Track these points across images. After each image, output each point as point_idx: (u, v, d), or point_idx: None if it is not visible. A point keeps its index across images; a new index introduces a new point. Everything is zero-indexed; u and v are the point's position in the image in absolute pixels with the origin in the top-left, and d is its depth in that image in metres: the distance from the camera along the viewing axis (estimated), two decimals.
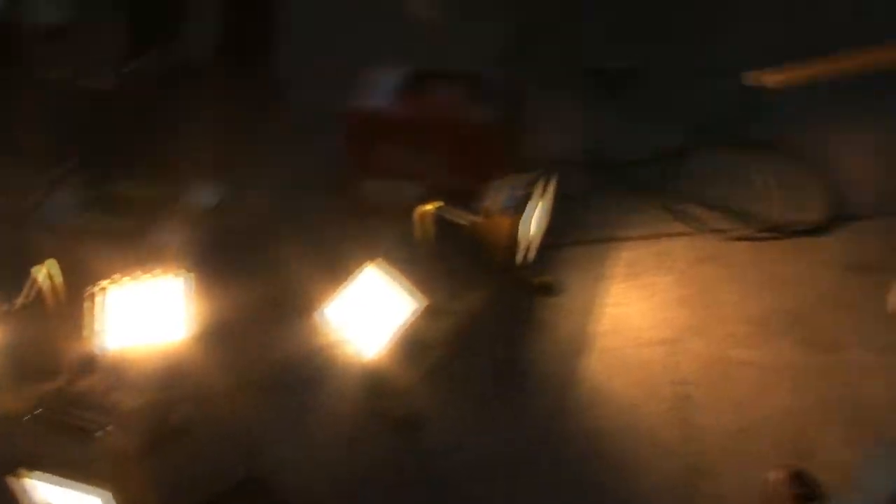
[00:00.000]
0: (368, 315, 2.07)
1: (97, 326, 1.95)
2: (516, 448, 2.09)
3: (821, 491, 1.89)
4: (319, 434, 2.09)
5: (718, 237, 2.59)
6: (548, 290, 2.40)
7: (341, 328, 2.05)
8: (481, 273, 2.30)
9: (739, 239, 2.58)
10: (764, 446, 2.06)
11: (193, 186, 2.54)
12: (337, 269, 2.14)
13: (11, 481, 1.76)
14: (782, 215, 2.62)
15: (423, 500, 2.02)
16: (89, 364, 1.95)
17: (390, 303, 2.08)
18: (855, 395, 2.15)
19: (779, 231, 2.58)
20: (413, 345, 2.09)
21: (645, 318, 2.39)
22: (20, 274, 2.01)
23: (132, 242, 2.38)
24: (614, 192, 2.74)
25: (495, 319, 2.32)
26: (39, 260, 2.01)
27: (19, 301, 2.00)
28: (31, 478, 1.75)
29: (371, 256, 2.12)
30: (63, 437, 1.81)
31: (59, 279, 2.02)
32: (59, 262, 2.03)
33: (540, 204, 2.34)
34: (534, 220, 2.32)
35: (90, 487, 1.72)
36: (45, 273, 2.00)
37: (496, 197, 2.23)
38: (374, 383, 2.07)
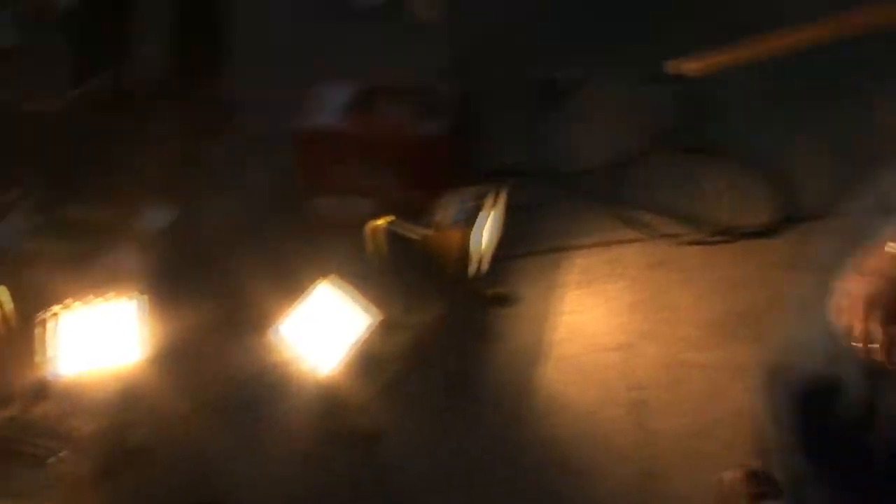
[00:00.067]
0: (323, 331, 2.07)
1: (49, 352, 1.94)
2: (472, 458, 2.09)
3: (776, 489, 1.91)
4: (275, 452, 2.08)
5: (669, 242, 2.62)
6: (502, 300, 2.42)
7: (296, 345, 2.06)
8: (435, 286, 2.31)
9: (690, 243, 2.61)
10: (719, 447, 2.08)
11: (145, 208, 2.53)
12: (290, 286, 2.14)
13: None
14: (732, 218, 2.65)
15: None
16: (42, 390, 1.94)
17: (344, 318, 2.09)
18: None
19: (729, 234, 2.62)
20: (368, 360, 2.10)
21: (599, 324, 2.41)
22: None
23: (84, 266, 2.37)
24: (565, 201, 2.75)
25: (450, 332, 2.32)
26: None
27: None
28: None
29: (324, 272, 2.13)
30: (15, 465, 1.80)
31: (9, 306, 2.01)
32: (10, 289, 2.02)
33: (491, 215, 2.35)
34: (485, 232, 2.33)
35: None
36: None
37: (447, 210, 2.25)
38: (330, 399, 2.06)
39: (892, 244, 1.16)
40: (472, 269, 2.29)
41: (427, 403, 2.21)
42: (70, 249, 2.41)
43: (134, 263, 2.36)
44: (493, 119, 2.86)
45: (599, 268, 2.57)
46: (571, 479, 2.05)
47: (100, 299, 2.00)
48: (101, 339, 1.99)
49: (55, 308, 1.96)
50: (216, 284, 2.38)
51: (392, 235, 2.23)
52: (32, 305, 2.00)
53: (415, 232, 2.23)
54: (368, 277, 2.21)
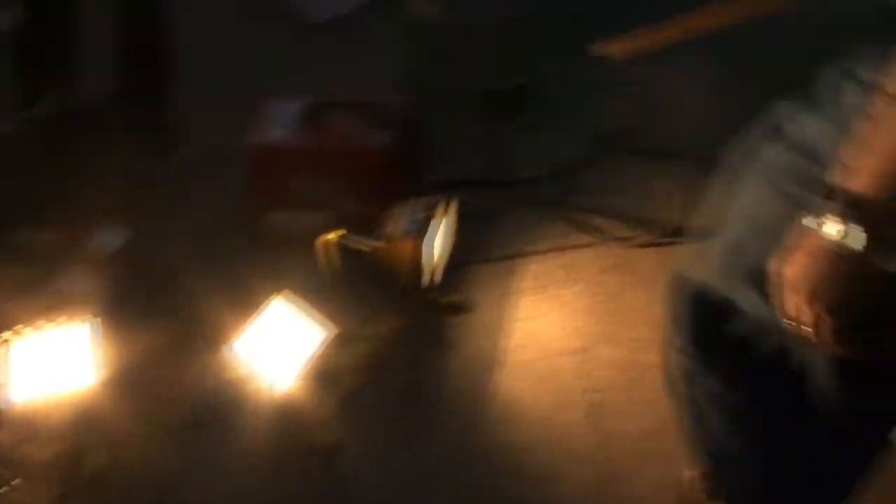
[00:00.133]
0: (278, 347, 2.07)
1: (1, 379, 1.93)
2: (427, 467, 2.09)
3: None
4: (233, 469, 2.07)
5: (622, 245, 2.64)
6: (456, 309, 2.43)
7: (251, 362, 2.06)
8: (389, 298, 2.32)
9: (643, 246, 2.63)
10: (676, 447, 2.06)
11: (96, 231, 2.51)
12: (245, 302, 2.15)
13: None
14: (683, 219, 2.67)
15: None
16: None
17: (299, 333, 2.09)
18: None
19: (681, 235, 2.64)
20: (325, 374, 2.11)
21: (554, 329, 2.43)
22: None
23: (35, 291, 2.35)
24: (517, 208, 2.77)
25: (405, 343, 2.33)
26: None
27: None
28: None
29: (278, 288, 2.13)
30: None
31: None
32: None
33: (442, 225, 2.36)
34: (437, 242, 2.35)
35: None
36: None
37: (398, 222, 2.26)
38: (287, 415, 2.07)
39: (808, 218, 1.15)
40: (425, 278, 2.30)
41: (383, 414, 2.21)
42: (20, 274, 2.39)
43: (86, 286, 2.35)
44: (443, 130, 2.88)
45: (553, 273, 2.58)
46: (528, 484, 2.06)
47: (52, 324, 1.99)
48: (54, 364, 1.98)
49: (6, 334, 1.94)
50: (170, 304, 2.37)
51: (344, 249, 2.24)
52: None
53: (366, 244, 2.24)
54: (322, 291, 2.22)
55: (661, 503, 2.00)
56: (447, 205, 2.37)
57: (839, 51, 1.26)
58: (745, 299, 1.38)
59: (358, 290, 2.32)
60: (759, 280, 1.29)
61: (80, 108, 2.85)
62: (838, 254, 1.11)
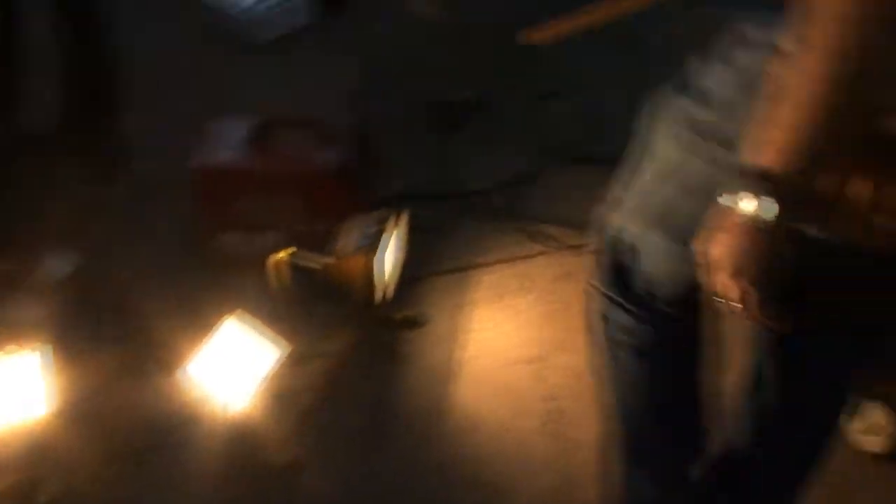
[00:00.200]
0: (232, 367, 2.07)
1: None
2: (384, 482, 2.10)
3: None
4: (190, 492, 2.06)
5: (575, 253, 2.65)
6: (410, 323, 2.43)
7: (205, 384, 2.05)
8: (342, 314, 2.31)
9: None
10: None
11: (45, 258, 2.49)
12: (197, 324, 2.14)
13: None
14: None
15: None
16: None
17: (253, 353, 2.09)
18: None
19: None
20: (280, 393, 2.10)
21: (510, 339, 2.44)
22: None
23: None
24: (469, 220, 2.78)
25: (360, 359, 2.33)
26: None
27: None
28: None
29: (230, 309, 2.13)
30: None
31: None
32: None
33: (393, 239, 2.37)
34: (388, 256, 2.35)
35: None
36: None
37: (348, 237, 2.26)
38: (244, 435, 2.06)
39: (724, 197, 1.20)
40: (378, 293, 2.30)
41: (340, 431, 2.20)
42: None
43: (36, 314, 2.32)
44: (392, 144, 2.88)
45: (506, 283, 2.59)
46: (483, 495, 2.07)
47: (1, 353, 1.97)
48: (4, 394, 1.96)
49: None
50: (121, 329, 2.35)
51: (295, 267, 2.24)
52: None
53: (317, 262, 2.24)
54: (275, 310, 2.21)
55: None
56: (397, 219, 2.38)
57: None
58: (650, 242, 1.46)
59: (311, 307, 2.31)
60: (664, 223, 1.42)
61: (26, 136, 2.83)
62: (755, 227, 1.17)
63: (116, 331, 2.35)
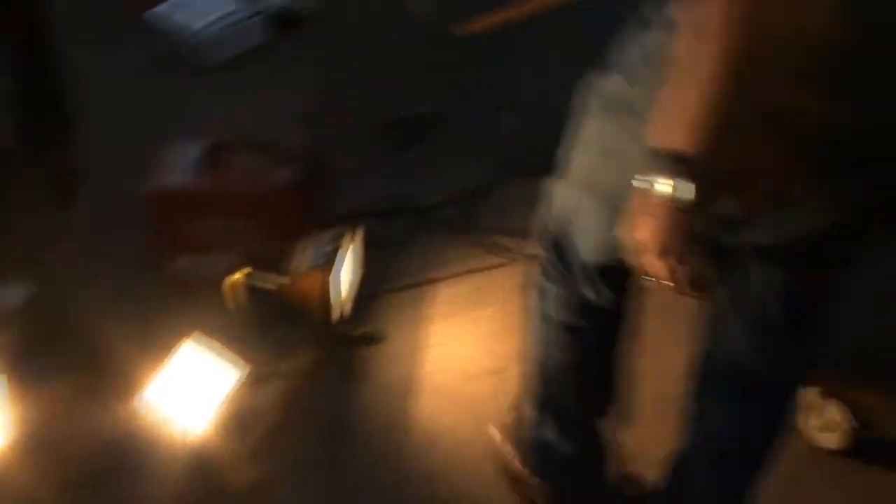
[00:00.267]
0: (190, 390, 2.06)
1: None
2: (341, 500, 2.10)
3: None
4: None
5: (532, 264, 2.66)
6: (368, 340, 2.43)
7: (164, 407, 2.03)
8: (300, 333, 2.31)
9: None
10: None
11: None
12: (155, 348, 2.12)
13: None
14: None
15: None
16: None
17: (211, 375, 2.08)
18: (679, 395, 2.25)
19: None
20: (239, 414, 2.09)
21: (469, 352, 2.45)
22: None
23: None
24: (426, 235, 2.79)
25: (319, 378, 2.32)
26: None
27: None
28: None
29: (188, 331, 2.12)
30: None
31: None
32: None
33: (349, 257, 2.37)
34: (344, 274, 2.35)
35: None
36: None
37: (303, 256, 2.26)
38: (203, 459, 2.05)
39: (641, 179, 1.25)
40: (335, 311, 2.30)
41: (299, 451, 2.20)
42: None
43: None
44: (347, 162, 2.89)
45: (464, 296, 2.61)
46: None
47: None
48: None
49: None
50: (78, 356, 2.33)
51: (251, 288, 2.23)
52: None
53: (272, 282, 2.24)
54: (233, 332, 2.20)
55: None
56: (352, 236, 2.38)
57: None
58: (584, 207, 1.58)
59: (268, 327, 2.31)
60: (592, 188, 1.54)
61: None
62: (675, 207, 1.23)
63: (73, 357, 2.33)
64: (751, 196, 1.32)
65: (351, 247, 2.38)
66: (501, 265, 2.69)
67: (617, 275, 1.59)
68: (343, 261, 2.31)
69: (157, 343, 2.14)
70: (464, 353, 2.43)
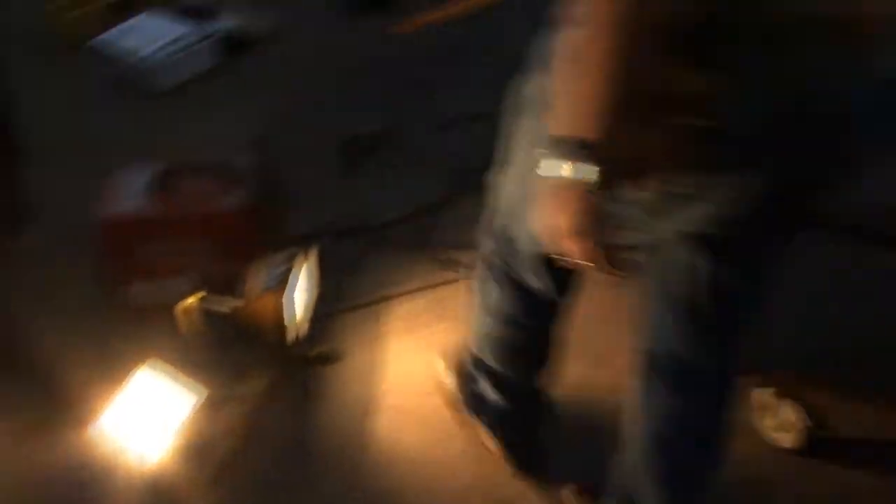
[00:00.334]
0: (147, 417, 2.05)
1: None
2: None
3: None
4: None
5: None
6: (325, 360, 2.43)
7: (120, 436, 2.02)
8: (256, 356, 2.30)
9: None
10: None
11: None
12: (111, 376, 2.12)
13: None
14: None
15: None
16: None
17: (168, 401, 2.07)
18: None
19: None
20: (197, 440, 2.08)
21: (427, 368, 2.44)
22: None
23: None
24: (380, 253, 2.79)
25: (276, 399, 2.32)
26: None
27: None
28: None
29: (143, 358, 2.11)
30: None
31: None
32: None
33: (303, 277, 2.37)
34: (299, 295, 2.35)
35: None
36: None
37: (256, 278, 2.25)
38: (160, 487, 2.03)
39: (543, 168, 1.31)
40: (290, 332, 2.30)
41: (258, 474, 2.19)
42: None
43: None
44: (301, 182, 2.89)
45: (421, 312, 2.61)
46: None
47: None
48: None
49: None
50: (33, 385, 2.31)
51: (205, 312, 2.23)
52: None
53: (226, 305, 2.23)
54: (188, 356, 2.20)
55: None
56: (306, 256, 2.38)
57: None
58: (522, 203, 1.64)
59: (224, 351, 2.29)
60: (527, 183, 1.56)
61: None
62: (582, 190, 1.28)
63: (26, 387, 2.31)
64: (648, 182, 1.38)
65: (305, 267, 2.38)
66: (457, 280, 2.69)
67: (550, 265, 1.71)
68: (297, 281, 2.31)
69: (113, 370, 2.14)
70: (422, 369, 2.43)
